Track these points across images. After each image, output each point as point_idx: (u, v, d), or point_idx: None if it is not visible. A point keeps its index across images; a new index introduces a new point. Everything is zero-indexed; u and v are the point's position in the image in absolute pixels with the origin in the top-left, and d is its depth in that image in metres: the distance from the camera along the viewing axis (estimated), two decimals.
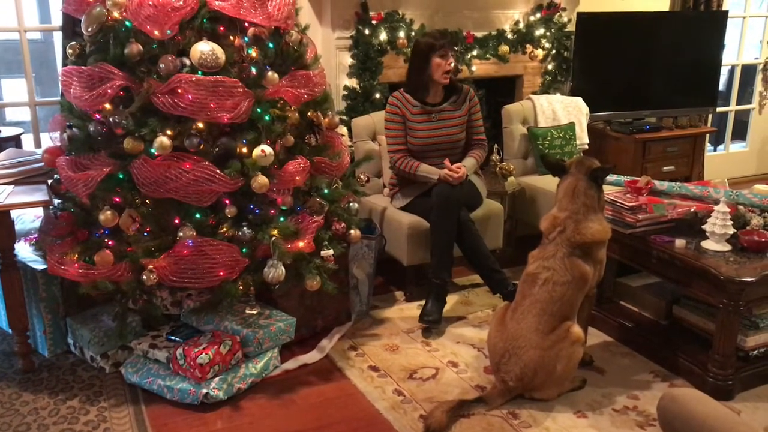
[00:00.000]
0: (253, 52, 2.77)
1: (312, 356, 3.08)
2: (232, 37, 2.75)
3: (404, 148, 3.60)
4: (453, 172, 3.44)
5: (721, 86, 5.68)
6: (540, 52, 4.55)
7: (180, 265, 2.63)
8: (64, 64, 2.89)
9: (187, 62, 2.63)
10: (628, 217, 3.06)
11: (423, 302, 3.42)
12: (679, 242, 2.92)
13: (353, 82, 4.05)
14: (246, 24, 2.76)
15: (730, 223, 2.88)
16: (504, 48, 4.38)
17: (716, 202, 3.02)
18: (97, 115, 2.68)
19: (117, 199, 2.69)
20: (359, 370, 3.00)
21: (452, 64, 3.50)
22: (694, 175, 4.90)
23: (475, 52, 4.31)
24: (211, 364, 2.71)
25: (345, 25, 3.98)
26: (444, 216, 3.38)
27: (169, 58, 2.60)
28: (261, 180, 2.67)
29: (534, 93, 4.60)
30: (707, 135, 5.17)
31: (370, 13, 3.96)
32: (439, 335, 3.30)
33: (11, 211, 2.81)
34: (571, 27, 4.60)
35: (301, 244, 2.79)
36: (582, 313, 2.81)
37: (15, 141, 3.92)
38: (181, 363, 2.75)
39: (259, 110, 2.73)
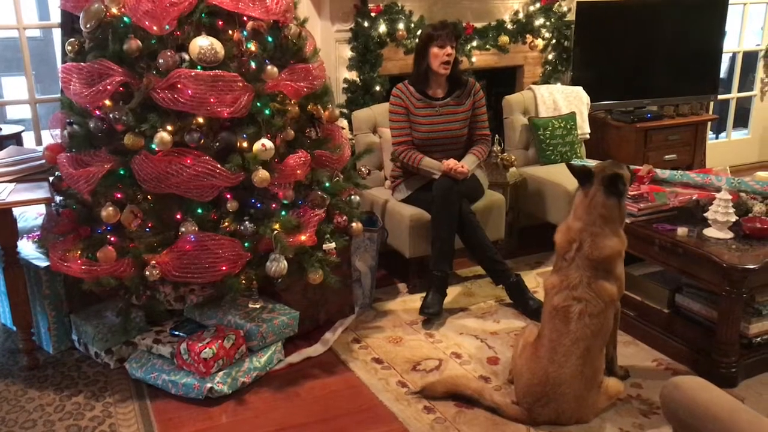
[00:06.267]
0: (252, 46, 2.76)
1: (316, 349, 3.09)
2: (230, 32, 2.74)
3: (408, 140, 3.59)
4: (458, 166, 3.44)
5: (723, 73, 5.66)
6: (540, 42, 4.53)
7: (182, 261, 2.64)
8: (64, 61, 2.89)
9: (186, 57, 2.63)
10: (630, 206, 3.06)
11: (425, 294, 3.42)
12: (682, 230, 2.92)
13: (353, 75, 4.05)
14: (244, 18, 2.74)
15: (732, 210, 2.87)
16: (504, 38, 4.36)
17: (718, 189, 3.02)
18: (98, 112, 2.68)
19: (118, 196, 2.68)
20: (363, 362, 3.00)
21: (450, 55, 3.47)
22: (696, 163, 4.89)
23: (474, 43, 4.29)
24: (215, 358, 2.72)
25: (344, 17, 3.97)
26: (445, 208, 3.37)
27: (168, 54, 2.59)
28: (262, 174, 2.66)
29: (534, 83, 4.58)
30: (709, 123, 5.15)
31: (369, 5, 3.95)
32: (441, 326, 3.30)
33: (13, 209, 2.82)
34: (571, 16, 4.58)
35: (303, 237, 2.79)
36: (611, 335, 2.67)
37: (16, 139, 3.93)
38: (185, 358, 2.76)
39: (258, 104, 2.72)
